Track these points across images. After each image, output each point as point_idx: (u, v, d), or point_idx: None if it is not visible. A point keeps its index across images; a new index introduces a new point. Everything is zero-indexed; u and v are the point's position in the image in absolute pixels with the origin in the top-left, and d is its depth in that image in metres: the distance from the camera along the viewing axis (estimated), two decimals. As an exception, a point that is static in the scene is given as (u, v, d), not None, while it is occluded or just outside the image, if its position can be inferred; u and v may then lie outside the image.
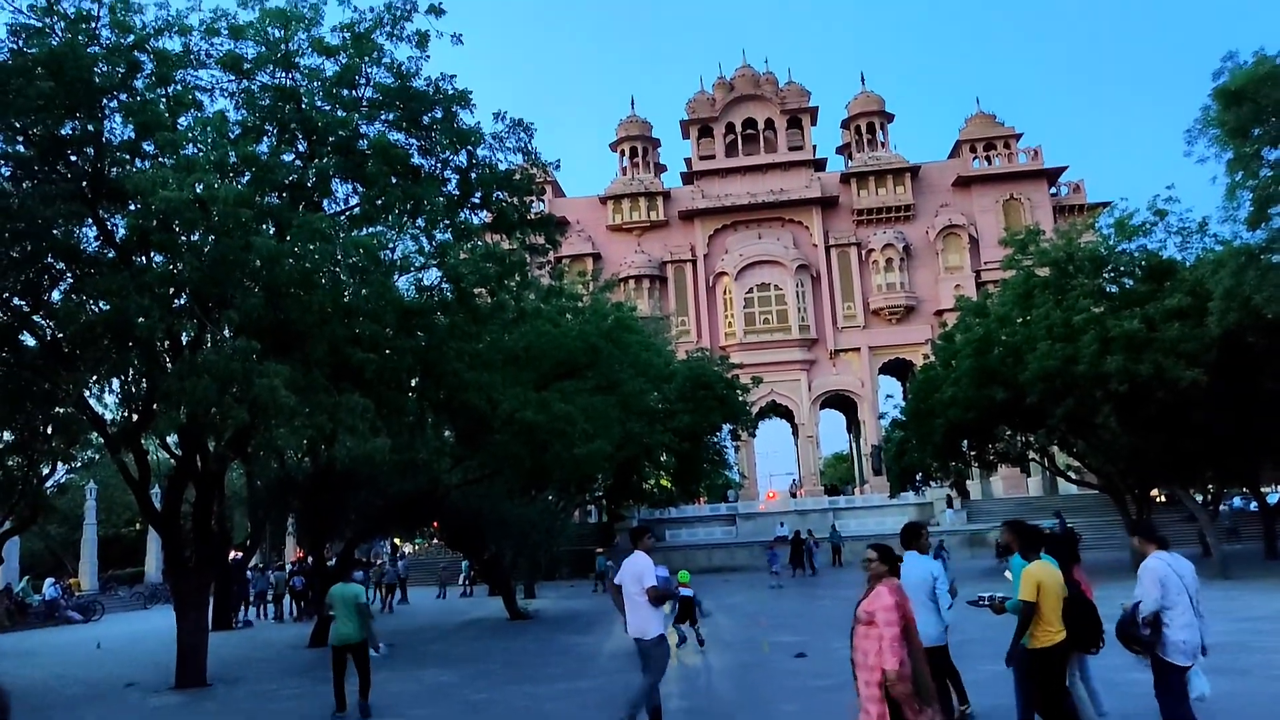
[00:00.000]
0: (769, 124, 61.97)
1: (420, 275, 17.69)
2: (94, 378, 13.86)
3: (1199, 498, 32.47)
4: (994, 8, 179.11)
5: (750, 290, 58.67)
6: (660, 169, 64.91)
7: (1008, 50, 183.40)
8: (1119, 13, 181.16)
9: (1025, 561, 7.00)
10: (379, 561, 42.40)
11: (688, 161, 63.39)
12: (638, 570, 8.12)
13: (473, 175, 16.30)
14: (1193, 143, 20.57)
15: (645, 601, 8.04)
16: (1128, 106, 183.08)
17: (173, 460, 16.31)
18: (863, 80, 67.37)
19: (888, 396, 44.94)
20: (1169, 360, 23.54)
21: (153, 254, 13.26)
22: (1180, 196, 26.63)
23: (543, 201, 54.35)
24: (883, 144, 61.61)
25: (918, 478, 36.25)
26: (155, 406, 13.80)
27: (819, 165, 62.09)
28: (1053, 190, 59.68)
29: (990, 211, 58.17)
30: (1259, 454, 28.93)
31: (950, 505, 45.54)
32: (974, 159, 59.74)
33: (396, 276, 16.49)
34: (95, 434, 15.40)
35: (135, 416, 14.63)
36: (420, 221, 16.31)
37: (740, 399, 42.17)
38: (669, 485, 42.07)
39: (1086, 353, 24.52)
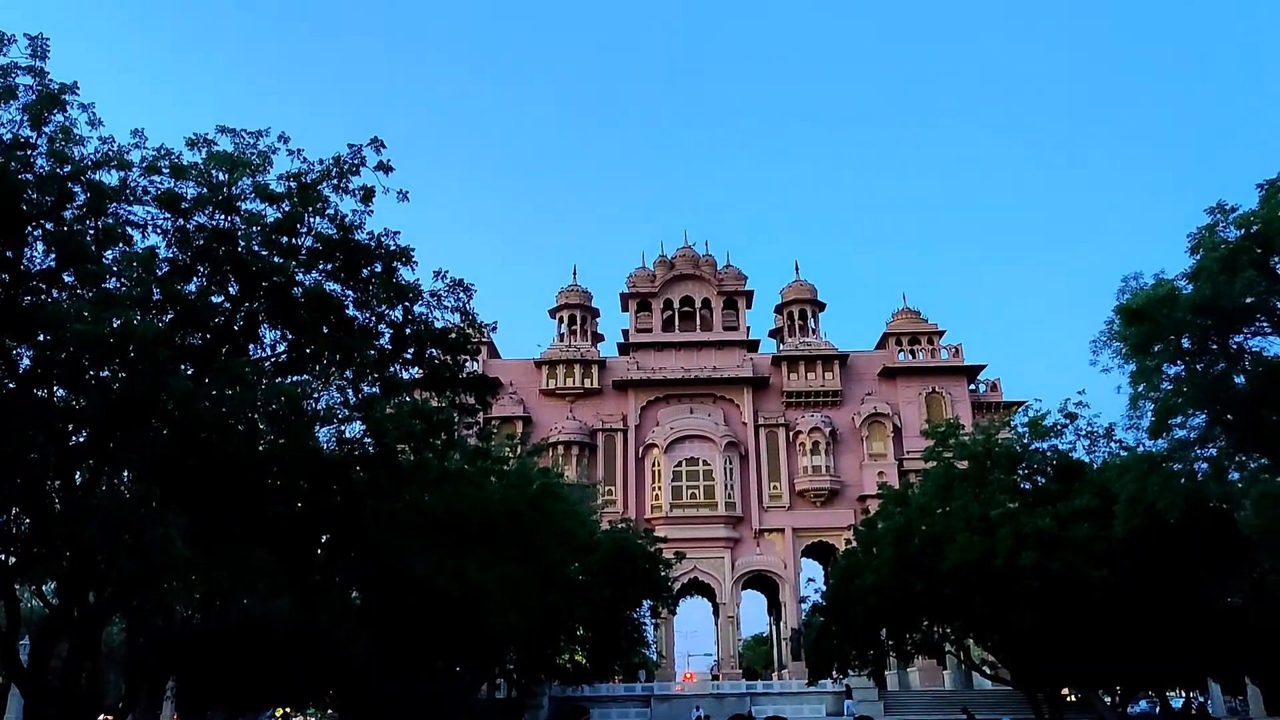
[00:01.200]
0: (706, 303, 63.36)
1: (343, 427, 17.10)
2: (-32, 515, 12.69)
3: (1108, 699, 32.06)
4: (921, 213, 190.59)
5: (679, 464, 58.30)
6: (598, 338, 65.52)
7: (933, 252, 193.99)
8: (1034, 232, 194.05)
9: None
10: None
11: (625, 333, 64.11)
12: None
13: (407, 330, 16.05)
14: (1098, 353, 21.27)
15: None
16: (1043, 314, 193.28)
17: (47, 610, 14.86)
18: (797, 269, 69.51)
19: (809, 580, 44.06)
20: (1079, 559, 23.67)
21: (55, 388, 12.46)
22: (1089, 399, 27.56)
23: (477, 361, 53.78)
24: (814, 330, 63.17)
25: (836, 665, 35.23)
26: (35, 550, 12.62)
27: (752, 346, 63.26)
28: (972, 387, 61.37)
29: (913, 403, 59.43)
30: (1164, 656, 28.83)
31: (849, 695, 44.00)
32: (899, 352, 61.44)
33: (318, 428, 15.88)
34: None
35: (12, 560, 13.35)
36: (349, 373, 15.90)
37: (663, 574, 41.02)
38: (584, 661, 40.11)
39: (1003, 548, 24.55)
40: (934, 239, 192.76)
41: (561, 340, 63.51)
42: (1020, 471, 28.10)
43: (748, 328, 63.30)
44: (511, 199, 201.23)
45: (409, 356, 16.43)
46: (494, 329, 17.81)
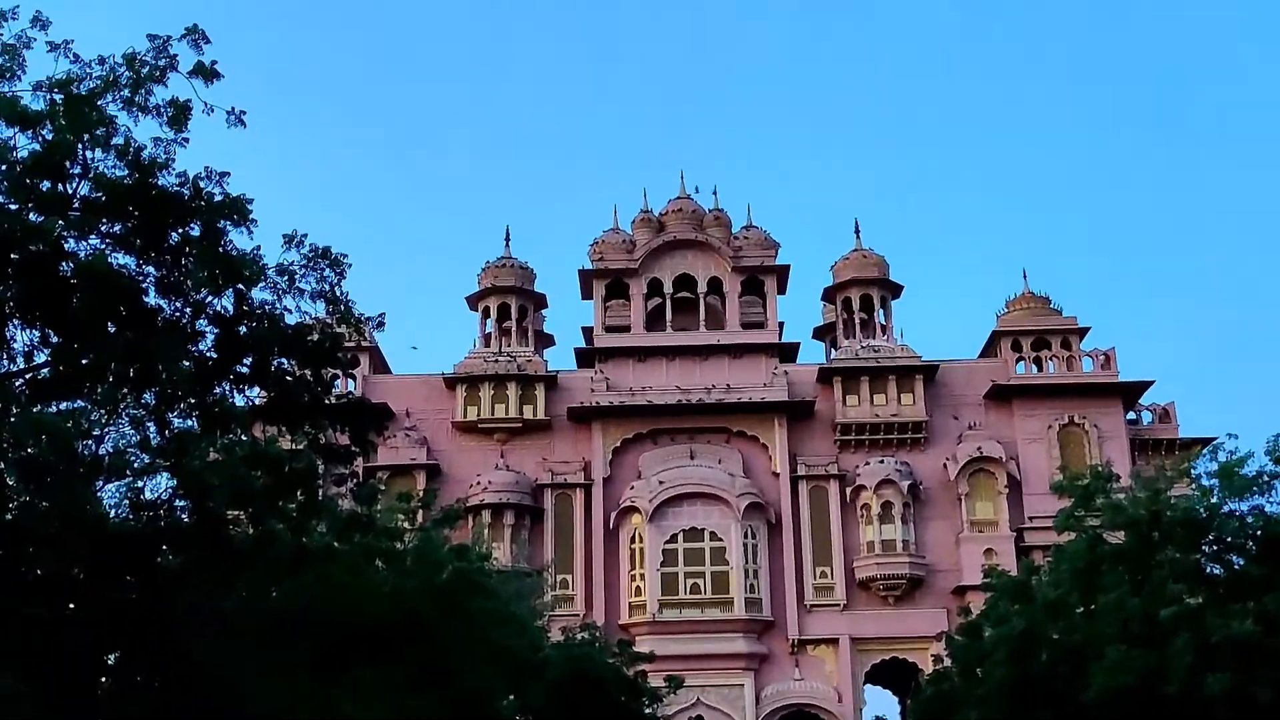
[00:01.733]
0: (714, 285, 63.20)
1: (141, 482, 17.04)
2: None
3: None
4: (1052, 145, 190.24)
5: (673, 538, 58.08)
6: (544, 340, 65.39)
7: (1068, 206, 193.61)
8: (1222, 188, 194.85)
9: None
10: None
11: (587, 332, 64.11)
12: None
13: (242, 328, 16.11)
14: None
15: None
16: (1239, 305, 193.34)
17: None
18: (857, 231, 66.62)
19: (878, 719, 44.00)
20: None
21: None
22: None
23: (353, 378, 53.80)
24: (883, 328, 63.07)
25: None
26: None
27: (787, 353, 63.24)
28: (1131, 416, 61.51)
29: (1039, 440, 59.46)
30: None
31: None
32: (1018, 360, 61.46)
33: (100, 482, 15.78)
34: None
35: None
36: (149, 397, 15.87)
37: (648, 710, 40.94)
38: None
39: (1178, 665, 24.68)
40: (1064, 197, 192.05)
41: (487, 344, 63.33)
42: (1206, 548, 28.25)
43: (780, 323, 63.46)
44: (413, 134, 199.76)
45: (245, 370, 16.47)
46: (380, 326, 17.85)
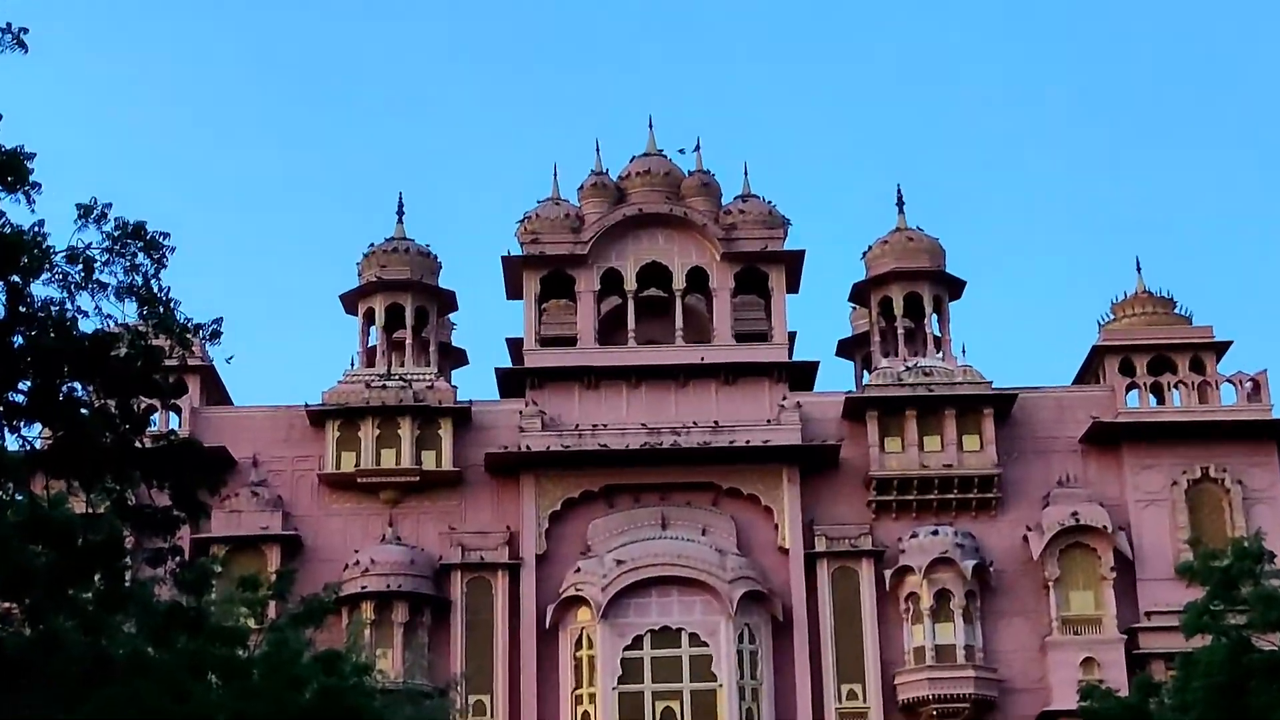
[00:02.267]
0: (697, 279, 63.38)
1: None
2: None
3: None
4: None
5: (637, 642, 58.00)
6: (453, 357, 65.51)
7: (1197, 170, 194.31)
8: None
9: None
10: None
11: (514, 345, 64.23)
12: None
13: (17, 339, 16.02)
14: None
15: None
16: None
17: None
18: (900, 204, 66.79)
19: None
20: None
21: None
22: None
23: (178, 411, 53.54)
24: (938, 341, 63.38)
25: None
26: None
27: (801, 377, 63.43)
28: (1289, 467, 61.93)
29: (1160, 501, 59.66)
30: None
31: None
32: (1129, 388, 61.64)
33: None
34: None
35: None
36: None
37: None
38: None
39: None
40: (1190, 158, 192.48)
41: (370, 363, 63.25)
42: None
43: (791, 334, 63.68)
44: (271, 66, 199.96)
45: (21, 399, 16.47)
46: (215, 336, 17.83)
